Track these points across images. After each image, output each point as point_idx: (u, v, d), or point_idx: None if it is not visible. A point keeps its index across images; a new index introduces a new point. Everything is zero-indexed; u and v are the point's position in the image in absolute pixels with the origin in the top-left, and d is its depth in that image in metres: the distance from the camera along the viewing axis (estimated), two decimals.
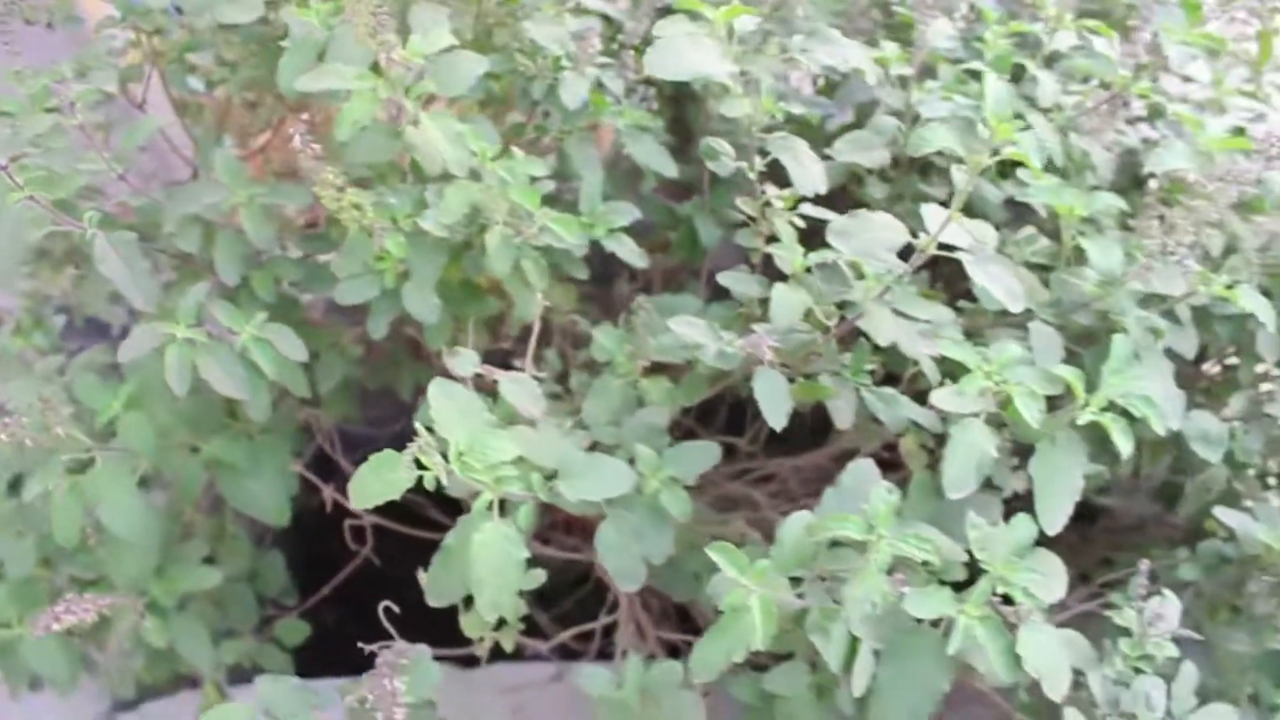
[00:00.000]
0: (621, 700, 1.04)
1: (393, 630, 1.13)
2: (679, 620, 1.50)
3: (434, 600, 1.02)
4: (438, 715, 1.08)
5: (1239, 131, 1.20)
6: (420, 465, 0.92)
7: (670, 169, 1.28)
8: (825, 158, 1.21)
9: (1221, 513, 1.16)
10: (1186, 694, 1.07)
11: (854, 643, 0.93)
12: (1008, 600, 0.99)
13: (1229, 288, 1.09)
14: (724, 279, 1.14)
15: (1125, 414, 1.01)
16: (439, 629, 1.18)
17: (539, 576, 1.09)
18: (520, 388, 1.05)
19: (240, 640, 1.48)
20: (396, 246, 1.15)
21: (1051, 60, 1.30)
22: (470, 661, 1.54)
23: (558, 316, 1.36)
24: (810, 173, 1.08)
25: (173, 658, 1.35)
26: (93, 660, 1.34)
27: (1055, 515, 1.00)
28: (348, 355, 1.39)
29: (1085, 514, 1.53)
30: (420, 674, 1.04)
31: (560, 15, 1.28)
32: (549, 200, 1.18)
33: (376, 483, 0.92)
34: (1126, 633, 1.08)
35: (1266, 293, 1.22)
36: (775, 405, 1.02)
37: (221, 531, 1.46)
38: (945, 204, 1.27)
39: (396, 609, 1.16)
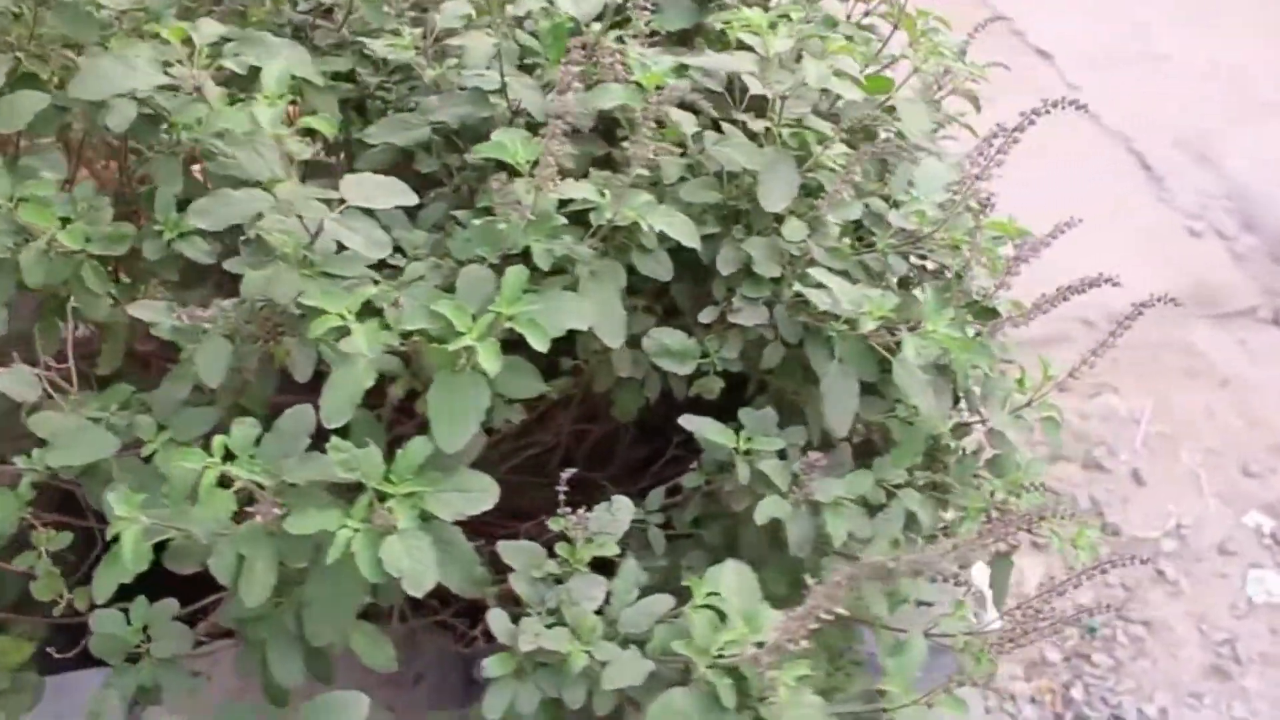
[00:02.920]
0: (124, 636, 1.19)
1: None
2: None
3: None
4: None
5: (682, 68, 1.29)
6: None
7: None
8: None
9: (685, 420, 1.25)
10: (628, 587, 1.17)
11: (241, 560, 1.06)
12: (425, 516, 1.11)
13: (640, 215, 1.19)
14: (230, 265, 1.28)
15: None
16: None
17: (64, 538, 1.25)
18: (13, 377, 1.21)
19: None
20: None
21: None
22: None
23: None
24: (260, 163, 1.21)
25: None
26: None
27: (452, 436, 1.11)
28: None
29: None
30: None
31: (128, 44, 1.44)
32: None
33: None
34: (565, 538, 1.18)
35: (739, 217, 1.32)
36: (210, 368, 1.16)
37: None
38: (478, 168, 1.41)
39: None
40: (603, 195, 1.20)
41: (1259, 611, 2.44)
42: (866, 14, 1.80)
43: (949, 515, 1.44)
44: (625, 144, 1.19)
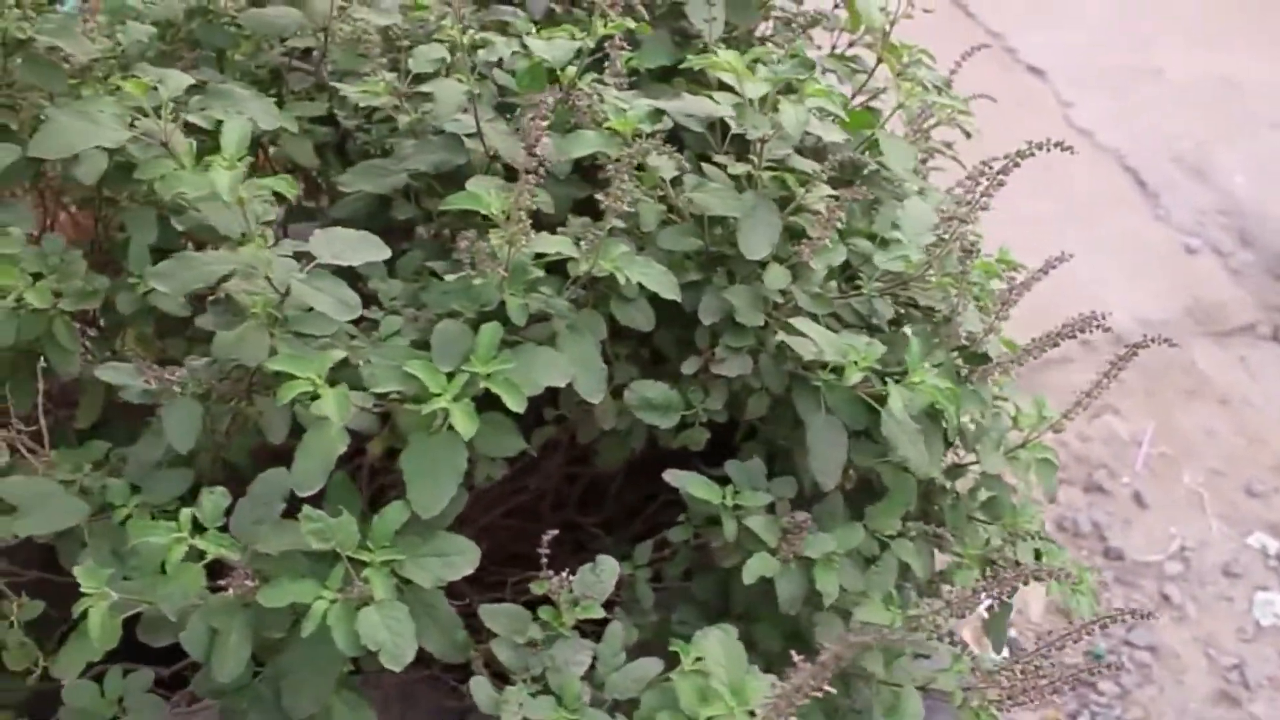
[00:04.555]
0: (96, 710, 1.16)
1: None
2: None
3: None
4: None
5: (658, 114, 1.26)
6: None
7: None
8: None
9: (669, 475, 1.22)
10: (614, 651, 1.14)
11: (214, 634, 1.03)
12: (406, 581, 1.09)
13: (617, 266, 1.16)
14: (202, 322, 1.25)
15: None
16: None
17: (36, 607, 1.22)
18: None
19: None
20: None
21: None
22: None
23: None
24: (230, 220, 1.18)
25: None
26: None
27: (429, 499, 1.08)
28: None
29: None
30: None
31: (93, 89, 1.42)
32: None
33: None
34: (548, 600, 1.15)
35: (720, 263, 1.29)
36: (180, 432, 1.13)
37: None
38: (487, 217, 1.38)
39: None
40: (579, 245, 1.17)
41: (1266, 634, 2.41)
42: (851, 44, 1.78)
43: (944, 559, 1.41)
44: (605, 190, 1.15)
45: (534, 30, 1.46)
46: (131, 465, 1.25)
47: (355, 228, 1.50)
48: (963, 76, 1.69)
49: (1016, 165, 1.16)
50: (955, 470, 1.49)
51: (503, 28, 1.52)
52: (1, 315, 1.28)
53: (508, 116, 1.45)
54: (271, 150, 1.59)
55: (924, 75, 1.52)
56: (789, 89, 1.24)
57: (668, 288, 1.18)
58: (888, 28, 1.63)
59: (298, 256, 1.18)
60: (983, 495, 1.47)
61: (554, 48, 1.28)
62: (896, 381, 1.15)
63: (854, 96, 1.61)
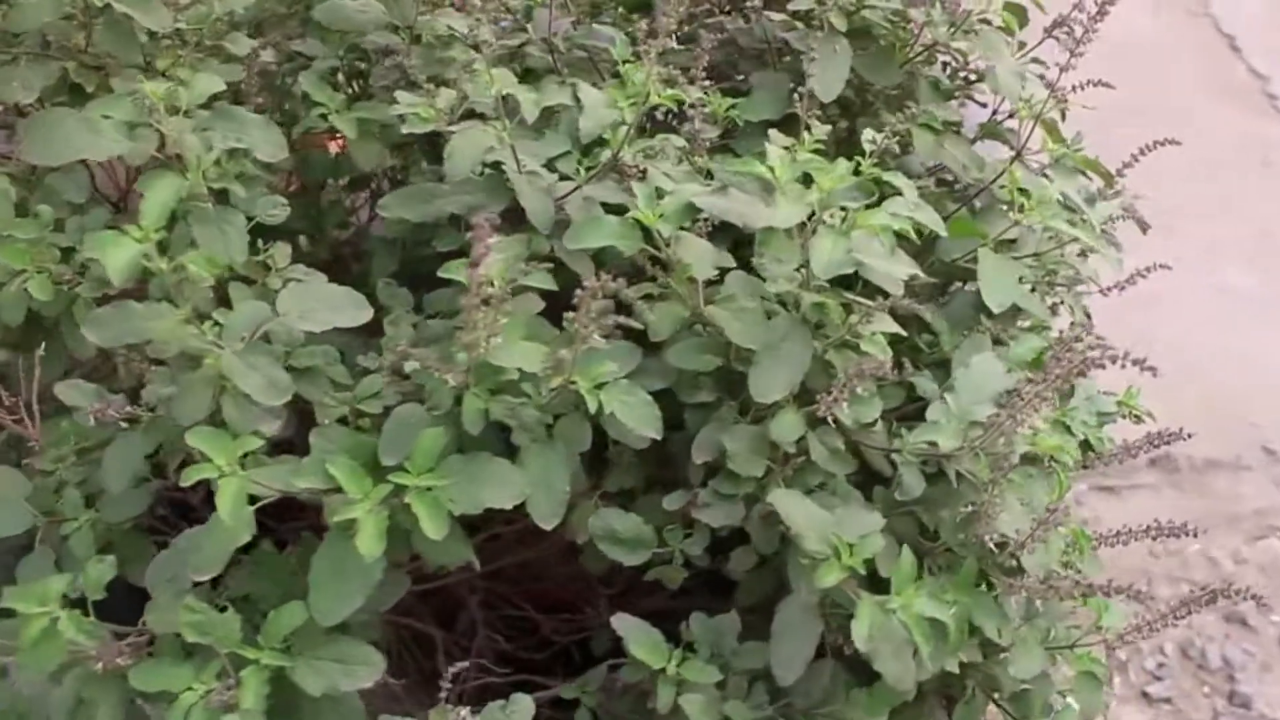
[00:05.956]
0: None
1: None
2: None
3: None
4: None
5: (691, 210, 1.09)
6: None
7: None
8: None
9: (615, 621, 1.09)
10: None
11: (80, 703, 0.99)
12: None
13: (598, 387, 1.02)
14: None
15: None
16: None
17: None
18: None
19: None
20: None
21: None
22: None
23: None
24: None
25: None
26: None
27: (330, 608, 0.99)
28: None
29: None
30: None
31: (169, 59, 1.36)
32: None
33: None
34: None
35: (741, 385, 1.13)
36: (116, 472, 1.08)
37: None
38: None
39: None
40: (556, 356, 1.03)
41: None
42: (1011, 115, 1.54)
43: None
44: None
45: (631, 58, 1.31)
46: (105, 471, 1.22)
47: (403, 247, 1.42)
48: (1210, 120, 1.39)
49: (1101, 366, 0.95)
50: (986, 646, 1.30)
51: (590, 59, 1.37)
52: (11, 299, 1.25)
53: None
54: None
55: (1061, 187, 1.28)
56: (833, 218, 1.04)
57: (648, 423, 1.03)
58: (1051, 113, 1.39)
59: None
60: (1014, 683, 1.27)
61: (598, 114, 1.13)
62: (876, 591, 0.97)
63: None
